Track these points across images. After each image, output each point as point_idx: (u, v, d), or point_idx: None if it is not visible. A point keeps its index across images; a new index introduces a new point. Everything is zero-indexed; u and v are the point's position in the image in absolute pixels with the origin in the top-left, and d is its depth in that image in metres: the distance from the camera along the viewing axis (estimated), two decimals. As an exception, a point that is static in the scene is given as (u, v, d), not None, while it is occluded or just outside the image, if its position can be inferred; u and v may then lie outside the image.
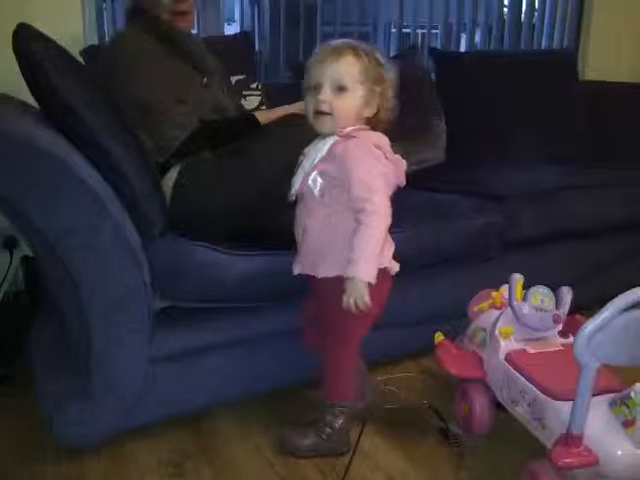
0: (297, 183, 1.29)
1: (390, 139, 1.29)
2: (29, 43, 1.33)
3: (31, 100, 1.47)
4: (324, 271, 1.26)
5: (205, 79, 1.70)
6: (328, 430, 1.34)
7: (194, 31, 1.99)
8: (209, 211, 1.44)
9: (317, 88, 1.24)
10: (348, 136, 1.24)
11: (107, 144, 1.31)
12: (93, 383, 1.29)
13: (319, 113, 1.24)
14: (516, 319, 1.36)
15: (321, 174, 1.25)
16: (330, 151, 1.25)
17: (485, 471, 1.34)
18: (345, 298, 1.20)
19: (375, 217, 1.21)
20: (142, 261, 1.28)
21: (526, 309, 1.35)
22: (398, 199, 1.28)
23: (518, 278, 1.37)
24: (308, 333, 1.42)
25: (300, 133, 1.60)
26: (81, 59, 1.88)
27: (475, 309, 1.50)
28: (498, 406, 1.39)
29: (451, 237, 1.71)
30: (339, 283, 1.22)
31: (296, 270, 1.31)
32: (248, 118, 1.71)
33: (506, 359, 1.34)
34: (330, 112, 1.23)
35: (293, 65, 2.50)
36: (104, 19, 2.19)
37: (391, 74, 1.29)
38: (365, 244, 1.20)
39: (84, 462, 1.37)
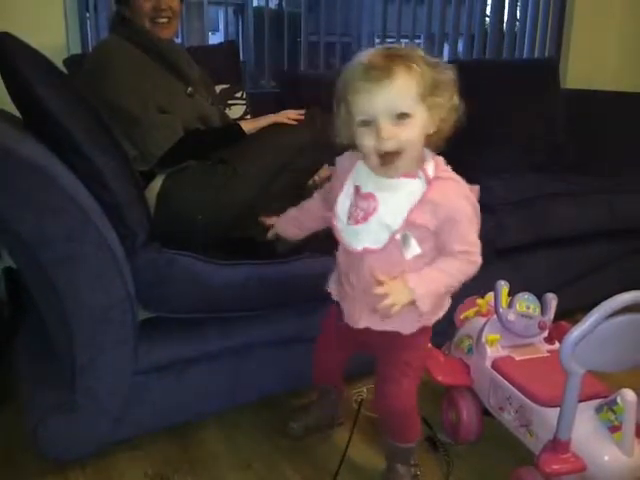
0: (357, 236, 1.11)
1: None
2: (12, 53, 1.32)
3: (13, 110, 1.45)
4: (392, 325, 1.14)
5: (189, 89, 1.69)
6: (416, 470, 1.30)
7: (178, 40, 1.99)
8: (193, 221, 1.43)
9: (368, 123, 1.03)
10: (438, 178, 1.07)
11: (90, 154, 1.30)
12: (78, 395, 1.27)
13: (387, 155, 1.04)
14: (502, 326, 1.36)
15: (412, 228, 1.07)
16: (422, 199, 1.06)
17: (474, 478, 1.33)
18: (383, 290, 1.05)
19: (471, 267, 1.10)
20: (126, 271, 1.26)
21: (512, 316, 1.35)
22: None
23: (504, 285, 1.37)
24: (331, 373, 1.41)
25: (285, 142, 1.61)
26: (64, 68, 1.86)
27: (461, 317, 1.51)
28: (486, 413, 1.39)
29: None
30: (409, 336, 1.16)
31: (356, 324, 1.17)
32: (233, 127, 1.71)
33: (492, 366, 1.34)
34: (399, 150, 1.03)
35: (277, 74, 2.51)
36: (87, 28, 2.18)
37: (448, 73, 1.06)
38: (446, 274, 1.08)
39: (68, 475, 1.35)
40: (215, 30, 2.93)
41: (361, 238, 1.10)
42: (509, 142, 2.42)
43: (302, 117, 1.80)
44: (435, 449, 1.41)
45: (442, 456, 1.39)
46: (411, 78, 1.00)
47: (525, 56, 3.17)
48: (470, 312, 1.48)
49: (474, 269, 1.11)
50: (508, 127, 2.43)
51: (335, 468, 1.33)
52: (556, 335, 1.38)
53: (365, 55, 1.04)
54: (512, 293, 1.38)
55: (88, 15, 2.18)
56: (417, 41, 3.17)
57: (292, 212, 1.35)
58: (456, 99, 1.07)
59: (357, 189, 1.11)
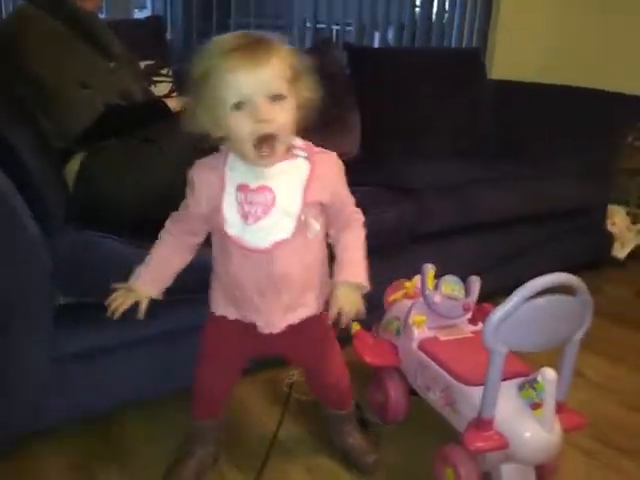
0: (263, 231, 1.04)
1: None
2: None
3: None
4: (304, 313, 1.14)
5: (112, 64, 1.62)
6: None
7: (101, 15, 1.90)
8: (115, 201, 1.36)
9: (242, 106, 0.95)
10: (314, 152, 1.07)
11: (2, 129, 1.22)
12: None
13: (265, 139, 0.97)
14: (428, 308, 1.38)
15: (309, 207, 1.05)
16: (311, 176, 1.04)
17: (401, 457, 1.36)
18: (336, 308, 1.07)
19: (362, 225, 1.17)
20: (41, 254, 1.19)
21: (438, 298, 1.37)
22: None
23: (430, 268, 1.40)
24: (221, 402, 1.28)
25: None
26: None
27: (389, 299, 1.52)
28: (413, 393, 1.41)
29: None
30: (319, 317, 1.16)
31: (275, 329, 1.12)
32: (158, 104, 1.65)
33: (419, 347, 1.36)
34: (277, 132, 0.98)
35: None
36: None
37: (307, 60, 1.04)
38: (362, 250, 1.13)
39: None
40: (142, 7, 2.81)
41: (267, 233, 1.04)
42: (434, 129, 2.46)
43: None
44: (364, 429, 1.42)
45: (370, 436, 1.40)
46: (284, 60, 0.97)
47: (453, 46, 3.23)
48: (398, 295, 1.50)
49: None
50: (433, 114, 2.47)
51: (264, 453, 1.32)
52: (479, 316, 1.41)
53: (231, 37, 0.98)
54: (438, 276, 1.40)
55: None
56: (348, 28, 3.16)
57: (146, 270, 1.14)
58: (315, 86, 1.03)
59: (243, 187, 1.03)
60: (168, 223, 1.14)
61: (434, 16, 3.22)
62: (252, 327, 1.12)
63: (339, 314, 1.08)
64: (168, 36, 2.50)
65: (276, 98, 0.96)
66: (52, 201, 1.26)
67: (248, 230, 1.04)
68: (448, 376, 1.26)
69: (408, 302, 1.45)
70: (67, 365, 1.29)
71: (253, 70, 0.94)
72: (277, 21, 3.11)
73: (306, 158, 1.05)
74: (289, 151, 1.04)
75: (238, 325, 1.14)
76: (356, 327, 1.48)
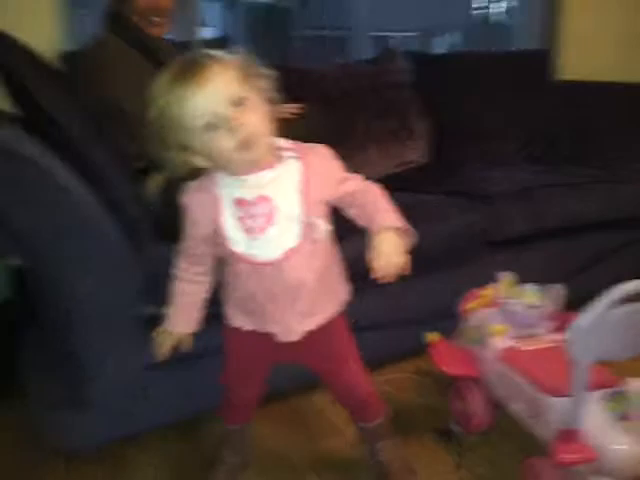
0: (272, 242, 1.01)
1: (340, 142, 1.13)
2: (6, 51, 1.31)
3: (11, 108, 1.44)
4: (321, 318, 1.11)
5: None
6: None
7: (168, 36, 1.97)
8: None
9: (213, 125, 0.92)
10: (303, 149, 1.04)
11: (89, 151, 1.29)
12: (86, 391, 1.26)
13: (245, 142, 0.93)
14: (508, 317, 1.36)
15: (311, 206, 1.02)
16: (305, 174, 1.01)
17: (485, 469, 1.34)
18: (382, 261, 1.00)
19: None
20: (130, 268, 1.25)
21: (517, 307, 1.35)
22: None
23: (508, 276, 1.37)
24: (249, 408, 1.28)
25: (287, 135, 1.60)
26: (57, 65, 1.84)
27: (466, 308, 1.50)
28: (495, 403, 1.39)
29: (437, 237, 1.71)
30: (337, 320, 1.14)
31: (294, 337, 1.09)
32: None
33: (499, 357, 1.34)
34: (254, 132, 0.95)
35: (269, 67, 2.49)
36: (78, 25, 2.15)
37: (252, 61, 1.00)
38: (388, 200, 1.07)
39: (81, 471, 1.35)
40: (206, 25, 2.90)
41: (276, 243, 1.00)
42: (504, 135, 2.42)
43: (300, 110, 1.80)
44: (445, 440, 1.41)
45: (453, 447, 1.39)
46: (225, 67, 0.94)
47: (518, 48, 3.17)
48: (475, 304, 1.48)
49: None
50: (502, 119, 2.43)
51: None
52: (561, 325, 1.38)
53: (164, 74, 0.95)
54: (516, 284, 1.38)
55: (80, 12, 2.15)
56: (410, 34, 3.16)
57: (174, 312, 1.15)
58: (267, 74, 1.00)
59: (241, 201, 1.00)
60: (176, 259, 1.12)
61: (499, 18, 3.17)
62: (269, 336, 1.09)
63: (384, 264, 1.00)
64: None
65: (238, 102, 0.93)
66: (137, 217, 1.33)
67: (255, 244, 1.01)
68: (532, 387, 1.24)
69: (486, 311, 1.43)
70: (154, 373, 1.34)
71: (203, 87, 0.91)
72: (337, 32, 3.14)
73: (296, 158, 1.01)
74: (277, 154, 1.01)
75: (254, 335, 1.11)
76: (432, 336, 1.47)
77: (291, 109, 1.77)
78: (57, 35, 2.05)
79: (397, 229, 1.04)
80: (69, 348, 1.31)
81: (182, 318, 1.14)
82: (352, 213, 1.10)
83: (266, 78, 0.99)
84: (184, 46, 1.87)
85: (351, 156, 2.17)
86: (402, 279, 1.02)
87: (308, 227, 1.01)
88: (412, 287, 1.69)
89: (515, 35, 3.17)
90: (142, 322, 1.26)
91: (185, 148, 0.96)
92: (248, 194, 0.99)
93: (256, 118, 0.94)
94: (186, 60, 0.94)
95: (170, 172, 1.01)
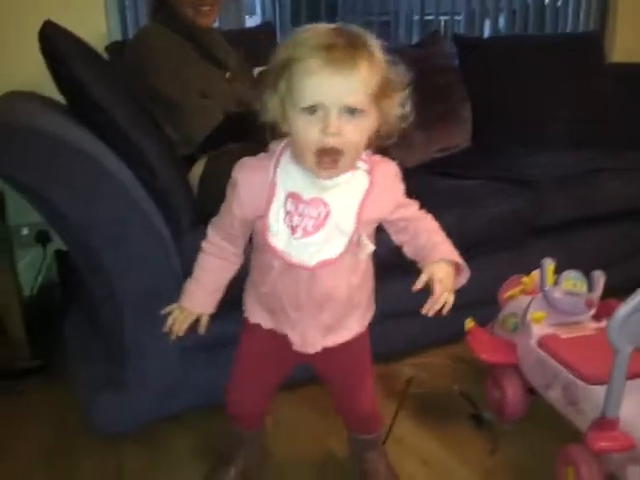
0: (312, 248, 0.93)
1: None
2: (56, 41, 1.36)
3: (58, 97, 1.49)
4: (344, 336, 1.05)
5: (228, 74, 1.71)
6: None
7: (215, 25, 2.00)
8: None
9: (314, 112, 0.85)
10: (375, 163, 0.97)
11: (135, 139, 1.33)
12: (127, 372, 1.31)
13: (327, 153, 0.86)
14: (548, 304, 1.35)
15: (365, 224, 0.96)
16: (369, 191, 0.94)
17: (519, 456, 1.33)
18: (442, 288, 0.93)
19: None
20: (172, 253, 1.29)
21: (558, 294, 1.34)
22: (423, 185, 1.25)
23: (550, 263, 1.36)
24: (260, 413, 1.23)
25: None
26: (106, 55, 1.90)
27: (506, 295, 1.49)
28: (531, 391, 1.38)
29: (478, 223, 1.70)
30: (360, 338, 1.08)
31: (311, 349, 1.03)
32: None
33: (539, 344, 1.33)
34: (342, 149, 0.87)
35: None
36: (127, 15, 2.21)
37: (404, 74, 0.92)
38: (445, 236, 1.02)
39: (120, 449, 1.40)
40: (252, 14, 2.92)
41: (314, 251, 0.93)
42: (551, 118, 2.36)
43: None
44: (480, 426, 1.41)
45: (488, 433, 1.39)
46: (373, 72, 0.86)
47: (568, 30, 3.08)
48: (515, 291, 1.47)
49: None
50: (550, 103, 2.37)
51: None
52: (603, 313, 1.35)
53: (322, 32, 0.86)
54: (558, 271, 1.36)
55: (127, 1, 2.20)
56: (457, 18, 3.10)
57: (196, 286, 1.08)
58: (408, 107, 0.93)
59: (295, 196, 0.92)
60: (208, 230, 1.05)
61: (547, 0, 3.08)
62: (286, 340, 1.04)
63: (434, 290, 0.93)
64: (278, 39, 2.57)
65: (353, 112, 0.85)
66: (179, 203, 1.37)
67: (294, 244, 0.93)
68: (570, 374, 1.22)
69: (526, 298, 1.41)
70: (194, 354, 1.38)
71: (335, 78, 0.83)
72: (383, 17, 3.11)
73: (366, 171, 0.94)
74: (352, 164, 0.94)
75: (272, 335, 1.05)
76: (470, 323, 1.47)
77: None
78: (106, 25, 2.12)
79: (452, 264, 0.97)
80: (110, 330, 1.36)
81: (203, 296, 1.07)
82: (400, 240, 1.03)
83: (401, 104, 0.92)
84: (230, 35, 1.90)
85: (396, 141, 2.19)
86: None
87: (354, 244, 0.95)
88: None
89: (566, 17, 3.07)
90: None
91: (283, 105, 0.88)
92: (306, 191, 0.92)
93: (354, 137, 0.87)
94: (347, 37, 0.85)
95: (260, 110, 0.92)
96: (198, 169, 1.54)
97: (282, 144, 0.95)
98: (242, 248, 1.06)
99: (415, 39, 2.97)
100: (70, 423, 1.48)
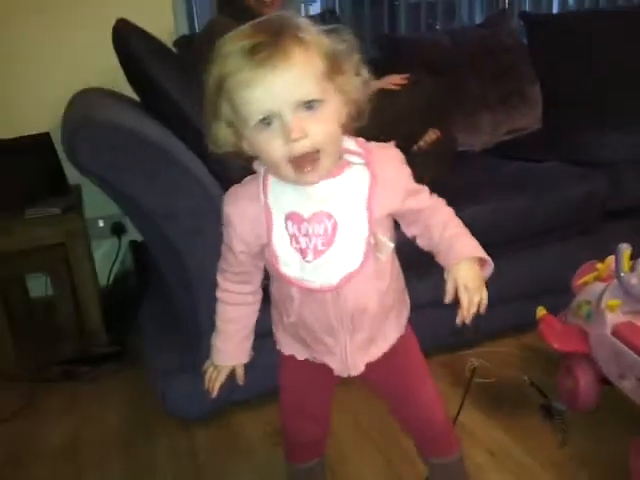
0: (330, 266, 0.83)
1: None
2: (128, 38, 1.40)
3: (130, 92, 1.55)
4: (384, 347, 0.95)
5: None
6: None
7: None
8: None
9: (269, 122, 0.74)
10: (370, 152, 0.84)
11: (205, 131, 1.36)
12: (201, 358, 1.35)
13: (302, 159, 0.75)
14: (624, 291, 1.29)
15: (377, 222, 0.85)
16: (372, 185, 0.83)
17: (590, 447, 1.30)
18: (469, 295, 0.83)
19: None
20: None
21: (635, 280, 1.28)
22: (491, 169, 1.22)
23: (626, 248, 1.30)
24: (317, 442, 1.12)
25: (388, 109, 1.61)
26: (174, 49, 1.95)
27: (579, 282, 1.45)
28: (604, 381, 1.34)
29: (550, 207, 1.66)
30: (403, 339, 0.97)
31: (355, 372, 0.94)
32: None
33: (613, 333, 1.28)
34: (317, 148, 0.76)
35: (378, 38, 2.48)
36: (194, 9, 2.25)
37: (346, 38, 0.78)
38: (460, 223, 0.91)
39: (193, 433, 1.46)
40: (312, 1, 2.91)
41: (333, 268, 0.84)
42: (627, 96, 2.25)
43: (406, 81, 1.79)
44: (550, 417, 1.38)
45: (558, 424, 1.36)
46: (310, 53, 0.74)
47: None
48: (589, 277, 1.42)
49: None
50: (626, 79, 2.26)
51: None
52: (683, 301, 1.29)
53: (241, 35, 0.75)
54: (634, 257, 1.31)
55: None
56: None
57: (222, 341, 1.01)
58: (364, 71, 0.81)
59: (295, 216, 0.82)
60: (219, 279, 0.96)
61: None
62: (325, 368, 0.95)
63: (461, 300, 0.83)
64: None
65: (310, 106, 0.74)
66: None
67: (309, 269, 0.83)
68: (647, 364, 1.18)
69: (600, 285, 1.37)
70: (264, 340, 1.40)
71: (273, 77, 0.72)
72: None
73: (363, 165, 0.83)
74: (340, 159, 0.82)
75: (308, 364, 0.97)
76: (542, 311, 1.43)
77: (397, 80, 1.76)
78: (174, 20, 2.17)
79: (476, 259, 0.86)
80: (185, 317, 1.41)
81: (232, 349, 1.00)
82: (412, 232, 0.92)
83: (358, 70, 0.80)
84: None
85: (463, 123, 2.16)
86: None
87: (373, 246, 0.85)
88: (522, 260, 1.66)
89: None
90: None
91: (235, 130, 0.80)
92: (303, 208, 0.82)
93: (324, 130, 0.76)
94: (267, 30, 0.74)
95: (213, 145, 0.83)
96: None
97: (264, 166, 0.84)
98: (258, 283, 0.96)
99: (479, 16, 2.90)
100: (145, 408, 1.55)
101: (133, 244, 2.06)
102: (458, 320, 0.84)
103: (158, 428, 1.48)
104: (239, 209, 0.85)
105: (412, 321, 1.01)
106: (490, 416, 1.42)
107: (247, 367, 1.03)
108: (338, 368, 0.93)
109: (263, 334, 1.37)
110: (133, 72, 1.45)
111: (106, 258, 2.18)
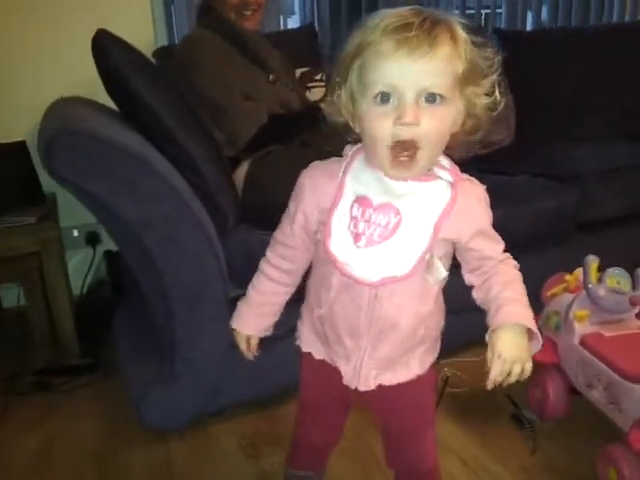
0: (376, 261, 0.82)
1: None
2: (108, 48, 1.41)
3: (108, 102, 1.55)
4: (401, 376, 0.91)
5: (271, 76, 1.74)
6: None
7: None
8: (280, 202, 1.47)
9: (387, 100, 0.74)
10: (460, 178, 0.84)
11: (183, 141, 1.38)
12: (177, 368, 1.35)
13: (402, 146, 0.75)
14: (591, 302, 1.33)
15: (439, 244, 0.83)
16: (450, 207, 0.81)
17: (560, 456, 1.33)
18: (500, 363, 0.80)
19: (517, 269, 0.88)
20: (219, 251, 1.33)
21: (602, 291, 1.32)
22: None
23: (593, 260, 1.34)
24: (320, 455, 1.13)
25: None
26: (153, 60, 1.95)
27: (548, 293, 1.48)
28: (573, 390, 1.37)
29: (522, 220, 1.70)
30: (420, 381, 0.93)
31: (363, 386, 0.91)
32: (313, 110, 1.74)
33: (581, 343, 1.32)
34: (419, 142, 0.75)
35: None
36: (172, 20, 2.27)
37: (494, 57, 0.78)
38: (523, 287, 0.86)
39: (169, 444, 1.45)
40: (291, 14, 2.95)
41: (379, 264, 0.82)
42: (597, 111, 2.31)
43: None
44: (521, 426, 1.41)
45: (528, 433, 1.39)
46: (456, 50, 0.74)
47: (614, 20, 3.01)
48: (558, 288, 1.46)
49: None
50: (596, 94, 2.32)
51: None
52: (648, 311, 1.34)
53: (397, 13, 0.74)
54: (602, 268, 1.35)
55: (173, 7, 2.26)
56: (498, 11, 3.06)
57: (247, 309, 1.00)
58: (498, 93, 0.80)
59: (364, 200, 0.82)
60: (267, 250, 0.97)
61: (593, -10, 3.01)
62: (338, 373, 0.93)
63: (491, 368, 0.81)
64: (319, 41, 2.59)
65: (432, 99, 0.74)
66: (225, 204, 1.41)
67: (356, 255, 0.82)
68: (613, 373, 1.22)
69: (569, 296, 1.40)
70: (238, 352, 1.41)
71: (412, 58, 0.72)
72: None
73: (449, 183, 0.82)
74: (430, 170, 0.82)
75: (324, 366, 0.95)
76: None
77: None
78: (153, 31, 2.18)
79: (522, 327, 0.82)
80: (160, 326, 1.41)
81: (253, 319, 1.00)
82: (472, 281, 0.89)
83: (491, 92, 0.79)
84: (272, 37, 1.94)
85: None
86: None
87: (425, 264, 0.83)
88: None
89: (611, 7, 3.00)
90: (227, 303, 1.33)
91: (353, 100, 0.80)
92: (377, 196, 0.82)
93: (433, 128, 0.75)
94: (425, 16, 0.74)
95: (329, 110, 0.83)
96: (242, 170, 1.58)
97: (355, 148, 0.86)
98: (300, 268, 0.96)
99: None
100: (119, 419, 1.54)
101: (108, 254, 2.05)
102: (488, 385, 0.81)
103: (133, 440, 1.47)
104: (314, 181, 0.87)
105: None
106: (462, 425, 1.45)
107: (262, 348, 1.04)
108: (348, 376, 0.91)
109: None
110: (112, 82, 1.45)
111: (79, 268, 2.17)
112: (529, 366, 0.80)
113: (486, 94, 0.79)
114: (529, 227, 1.71)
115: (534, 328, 0.82)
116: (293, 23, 2.78)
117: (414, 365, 0.91)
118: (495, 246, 0.87)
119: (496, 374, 0.80)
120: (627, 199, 1.86)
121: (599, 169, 1.87)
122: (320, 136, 1.51)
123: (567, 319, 1.36)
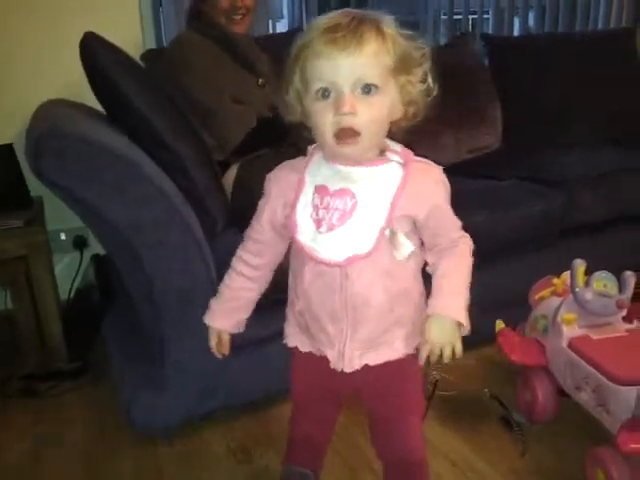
0: (338, 242, 0.88)
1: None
2: (96, 51, 1.40)
3: (96, 104, 1.54)
4: (386, 355, 0.95)
5: (260, 80, 1.75)
6: None
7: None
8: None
9: (327, 95, 0.83)
10: (412, 159, 0.91)
11: (172, 144, 1.37)
12: (166, 372, 1.35)
13: (344, 132, 0.83)
14: (579, 305, 1.34)
15: (398, 221, 0.89)
16: (403, 185, 0.88)
17: (549, 458, 1.34)
18: (429, 346, 0.87)
19: (470, 251, 0.93)
20: (207, 255, 1.33)
21: (589, 295, 1.33)
22: (453, 187, 1.25)
23: (580, 263, 1.35)
24: (316, 451, 1.15)
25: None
26: (141, 63, 1.95)
27: (536, 297, 1.50)
28: (561, 393, 1.38)
29: (510, 224, 1.71)
30: (406, 363, 0.96)
31: (348, 367, 0.94)
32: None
33: (569, 346, 1.33)
34: (358, 128, 0.83)
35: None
36: (161, 23, 2.26)
37: (423, 48, 0.88)
38: (466, 280, 0.91)
39: (158, 448, 1.44)
40: (280, 18, 2.95)
41: (342, 245, 0.88)
42: (583, 117, 2.34)
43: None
44: (510, 428, 1.42)
45: (517, 435, 1.39)
46: (383, 45, 0.82)
47: (600, 27, 3.04)
48: (546, 292, 1.47)
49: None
50: (583, 100, 2.35)
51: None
52: (635, 314, 1.35)
53: (329, 16, 0.84)
54: (589, 272, 1.36)
55: (162, 10, 2.26)
56: (485, 17, 3.09)
57: (217, 304, 1.04)
58: (431, 80, 0.88)
59: (322, 189, 0.89)
60: (239, 249, 1.02)
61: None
62: (325, 361, 0.96)
63: (429, 351, 0.87)
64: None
65: (367, 89, 0.82)
66: (214, 207, 1.41)
67: (320, 240, 0.89)
68: (600, 376, 1.22)
69: (557, 299, 1.42)
70: (230, 354, 1.41)
71: (343, 54, 0.80)
72: (411, 17, 3.11)
73: (401, 165, 0.89)
74: (382, 154, 0.90)
75: (311, 357, 0.99)
76: (500, 325, 1.47)
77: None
78: (141, 34, 2.17)
79: (453, 319, 0.88)
80: (149, 330, 1.41)
81: (223, 314, 1.04)
82: (427, 257, 0.93)
83: (425, 80, 0.88)
84: (261, 41, 1.94)
85: (425, 142, 2.20)
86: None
87: (387, 241, 0.88)
88: (481, 275, 1.69)
89: (597, 14, 3.04)
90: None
91: (300, 99, 0.88)
92: (333, 183, 0.89)
93: (371, 116, 0.83)
94: (353, 16, 0.82)
95: (284, 112, 0.92)
96: (231, 174, 1.58)
97: (315, 145, 0.93)
98: (270, 263, 1.01)
99: (443, 37, 2.97)
100: (108, 424, 1.53)
101: (95, 258, 2.04)
102: (420, 361, 0.89)
103: (122, 444, 1.46)
104: (278, 176, 0.96)
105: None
106: (451, 428, 1.45)
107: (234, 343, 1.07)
108: (334, 359, 0.95)
109: (233, 348, 1.39)
110: (100, 85, 1.44)
111: (67, 272, 2.15)
112: (459, 347, 0.88)
113: (421, 81, 0.88)
114: (515, 231, 1.72)
115: (462, 320, 0.88)
116: (282, 27, 2.78)
117: (399, 345, 0.95)
118: (450, 225, 0.92)
119: (424, 356, 0.88)
120: (613, 204, 1.87)
121: (586, 174, 1.88)
122: (308, 139, 1.52)
123: (555, 322, 1.37)
